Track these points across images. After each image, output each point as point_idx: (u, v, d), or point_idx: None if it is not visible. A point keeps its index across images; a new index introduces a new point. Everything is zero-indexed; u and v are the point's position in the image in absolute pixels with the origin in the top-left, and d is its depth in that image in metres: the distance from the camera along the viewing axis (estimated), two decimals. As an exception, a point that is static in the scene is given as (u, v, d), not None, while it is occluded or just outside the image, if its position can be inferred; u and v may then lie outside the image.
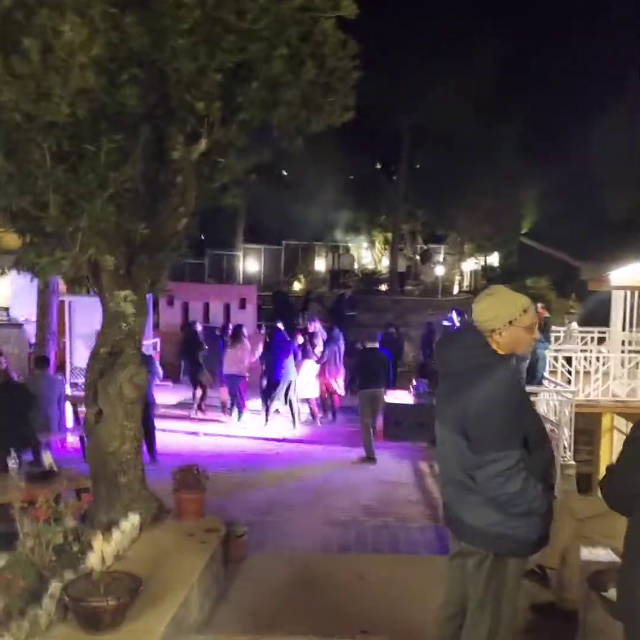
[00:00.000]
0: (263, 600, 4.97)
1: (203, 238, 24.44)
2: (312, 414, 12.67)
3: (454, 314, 13.86)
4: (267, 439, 11.54)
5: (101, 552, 3.66)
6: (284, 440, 11.49)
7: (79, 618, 3.58)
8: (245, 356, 12.20)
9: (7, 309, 15.04)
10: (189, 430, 11.83)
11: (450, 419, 3.14)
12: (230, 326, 13.67)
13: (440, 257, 29.22)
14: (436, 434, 3.30)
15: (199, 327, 13.41)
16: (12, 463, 6.22)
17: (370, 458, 10.19)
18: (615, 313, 15.46)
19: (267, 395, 12.07)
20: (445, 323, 13.72)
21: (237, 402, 12.30)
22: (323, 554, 6.58)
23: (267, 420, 12.05)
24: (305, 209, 25.55)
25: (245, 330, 12.57)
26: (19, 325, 13.96)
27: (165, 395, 14.40)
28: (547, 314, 13.90)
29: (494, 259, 31.57)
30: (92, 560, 3.76)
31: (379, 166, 28.31)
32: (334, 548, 6.99)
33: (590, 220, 22.92)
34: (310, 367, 12.35)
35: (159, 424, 11.75)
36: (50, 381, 9.05)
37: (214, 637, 4.32)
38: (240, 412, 12.29)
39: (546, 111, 25.32)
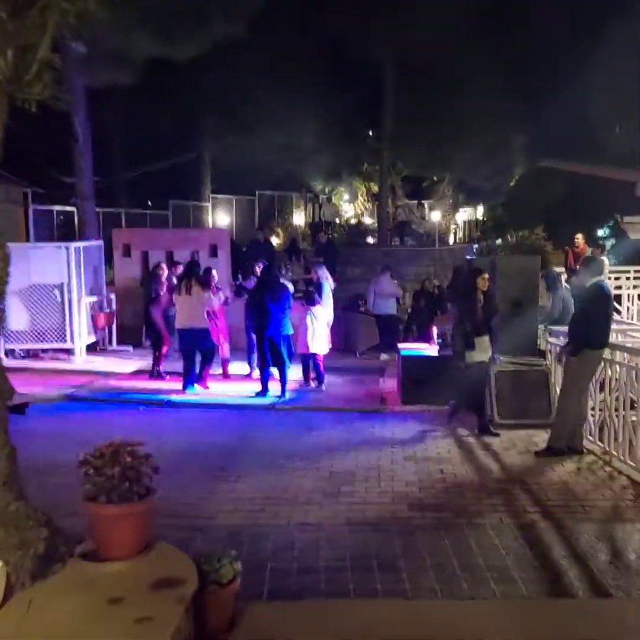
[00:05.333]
0: None
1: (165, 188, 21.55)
2: (318, 377, 9.84)
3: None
4: (254, 408, 8.81)
5: None
6: (273, 407, 8.79)
7: None
8: (202, 305, 9.21)
9: None
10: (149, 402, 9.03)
11: None
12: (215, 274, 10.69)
13: (426, 211, 26.67)
14: None
15: (164, 273, 10.43)
16: None
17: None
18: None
19: (261, 358, 9.26)
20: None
21: (190, 368, 9.43)
22: (387, 600, 3.91)
23: (265, 388, 9.26)
24: (280, 158, 22.67)
25: (214, 274, 9.65)
26: None
27: (123, 363, 11.60)
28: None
29: (479, 213, 29.33)
30: None
31: (360, 107, 25.30)
32: (374, 568, 4.38)
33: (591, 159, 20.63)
34: (323, 315, 9.60)
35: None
36: None
37: None
38: (196, 380, 9.43)
39: (543, 40, 22.72)
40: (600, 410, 6.80)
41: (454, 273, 11.67)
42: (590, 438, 6.84)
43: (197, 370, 9.38)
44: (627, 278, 13.23)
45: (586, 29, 21.82)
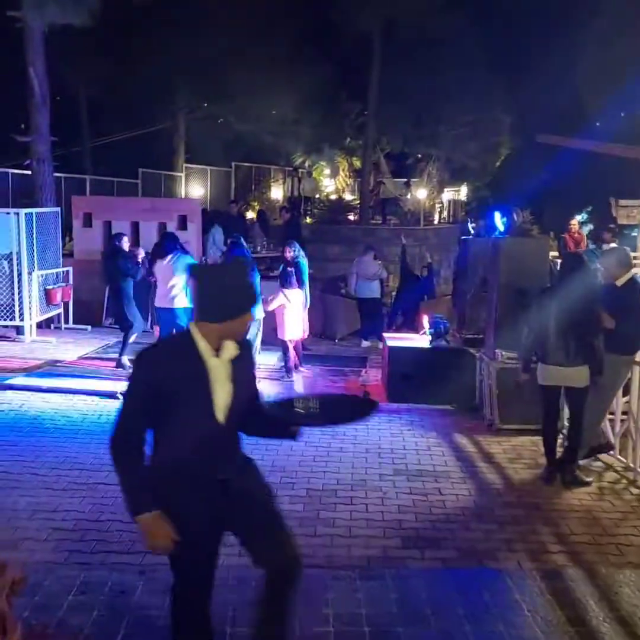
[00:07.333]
0: None
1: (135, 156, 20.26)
2: (292, 363, 8.77)
3: (496, 216, 10.00)
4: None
5: None
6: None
7: None
8: (171, 280, 8.25)
9: None
10: (105, 391, 7.89)
11: None
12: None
13: (409, 189, 25.65)
14: None
15: (125, 243, 9.20)
16: None
17: None
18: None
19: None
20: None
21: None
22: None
23: None
24: (259, 129, 21.47)
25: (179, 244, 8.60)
26: None
27: (78, 345, 10.41)
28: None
29: (463, 194, 28.61)
30: None
31: (344, 80, 24.01)
32: (366, 639, 3.39)
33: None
34: (297, 297, 8.63)
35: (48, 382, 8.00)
36: None
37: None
38: None
39: (535, 16, 21.70)
40: (622, 417, 5.84)
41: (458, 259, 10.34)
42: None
43: None
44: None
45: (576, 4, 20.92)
